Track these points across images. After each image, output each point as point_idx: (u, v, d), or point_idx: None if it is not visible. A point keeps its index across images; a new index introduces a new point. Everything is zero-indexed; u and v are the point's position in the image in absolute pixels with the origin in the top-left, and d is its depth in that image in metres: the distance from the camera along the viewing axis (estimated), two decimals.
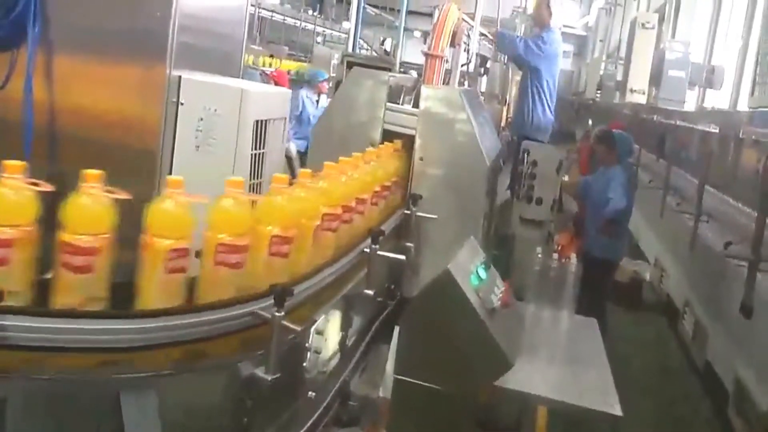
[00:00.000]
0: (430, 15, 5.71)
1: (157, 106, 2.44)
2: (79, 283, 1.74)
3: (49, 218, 1.75)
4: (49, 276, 1.78)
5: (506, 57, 7.37)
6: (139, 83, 2.45)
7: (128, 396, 1.65)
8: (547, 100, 6.49)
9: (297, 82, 11.44)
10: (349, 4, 9.74)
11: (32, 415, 1.60)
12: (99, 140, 2.44)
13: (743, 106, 8.02)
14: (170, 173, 2.46)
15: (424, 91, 3.87)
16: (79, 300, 1.74)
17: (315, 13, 23.77)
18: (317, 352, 2.31)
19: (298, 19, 24.09)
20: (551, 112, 6.58)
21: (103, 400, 1.65)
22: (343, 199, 2.62)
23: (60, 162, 2.42)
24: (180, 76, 2.47)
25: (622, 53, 15.77)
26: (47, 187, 1.73)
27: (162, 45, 2.42)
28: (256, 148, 2.60)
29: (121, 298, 1.83)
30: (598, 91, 16.21)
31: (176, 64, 2.46)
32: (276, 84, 10.45)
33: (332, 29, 25.14)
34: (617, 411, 2.72)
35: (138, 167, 2.39)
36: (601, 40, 22.91)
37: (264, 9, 20.74)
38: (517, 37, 6.63)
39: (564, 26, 10.53)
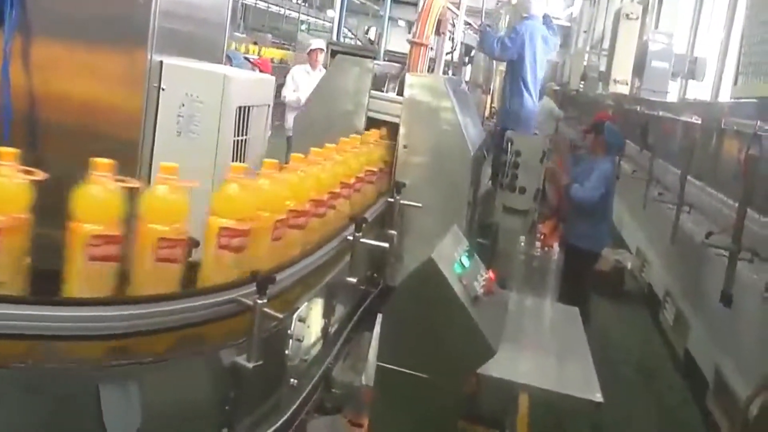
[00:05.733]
0: (415, 4, 5.71)
1: (138, 91, 2.40)
2: None
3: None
4: None
5: None
6: (119, 68, 2.41)
7: (107, 385, 1.64)
8: (530, 90, 6.43)
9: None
10: None
11: (10, 404, 1.58)
12: (79, 126, 2.40)
13: (725, 97, 8.09)
14: (151, 159, 2.44)
15: (409, 78, 3.86)
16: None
17: (299, 1, 23.63)
18: (299, 339, 2.31)
19: (282, 6, 23.98)
20: (534, 102, 6.53)
21: (82, 389, 1.63)
22: (310, 190, 2.58)
23: (39, 148, 2.39)
24: (161, 62, 2.44)
25: (606, 44, 15.83)
26: None
27: (143, 30, 2.38)
28: (238, 135, 2.57)
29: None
30: (582, 82, 16.28)
31: (157, 49, 2.42)
32: (260, 71, 10.42)
33: (317, 17, 25.06)
34: (598, 398, 2.74)
35: (119, 153, 2.35)
36: (584, 31, 22.96)
37: None
38: (495, 38, 6.55)
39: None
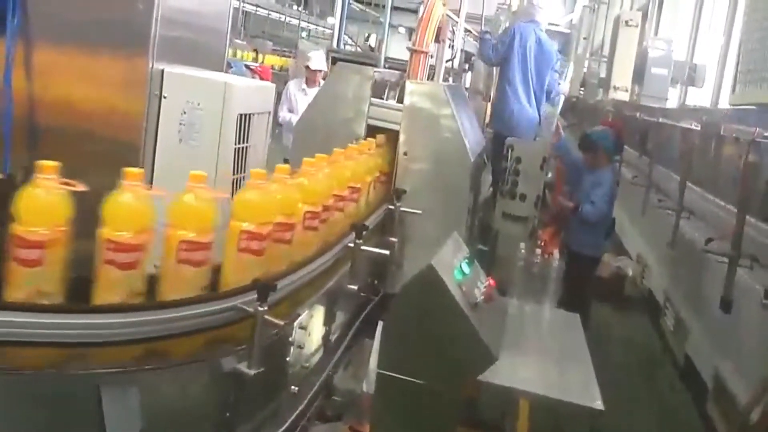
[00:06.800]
0: (415, 11, 5.72)
1: (139, 99, 2.42)
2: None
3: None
4: None
5: None
6: (121, 76, 2.43)
7: (109, 391, 1.64)
8: (517, 93, 6.34)
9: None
10: None
11: (14, 409, 1.59)
12: (81, 133, 2.42)
13: (724, 103, 8.10)
14: (153, 167, 2.45)
15: (409, 86, 3.87)
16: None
17: (299, 8, 23.70)
18: (300, 346, 2.31)
19: (282, 14, 24.03)
20: (530, 107, 6.44)
21: (84, 395, 1.64)
22: (320, 196, 2.59)
23: (41, 155, 2.39)
24: (163, 70, 2.46)
25: (606, 51, 15.85)
26: None
27: (144, 38, 2.40)
28: (239, 142, 2.58)
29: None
30: (582, 88, 16.29)
31: (159, 57, 2.44)
32: (260, 79, 10.41)
33: (317, 24, 25.11)
34: (599, 406, 2.74)
35: (120, 161, 2.36)
36: (584, 38, 22.96)
37: (248, 3, 20.67)
38: (492, 45, 6.52)
39: (548, 24, 10.55)
